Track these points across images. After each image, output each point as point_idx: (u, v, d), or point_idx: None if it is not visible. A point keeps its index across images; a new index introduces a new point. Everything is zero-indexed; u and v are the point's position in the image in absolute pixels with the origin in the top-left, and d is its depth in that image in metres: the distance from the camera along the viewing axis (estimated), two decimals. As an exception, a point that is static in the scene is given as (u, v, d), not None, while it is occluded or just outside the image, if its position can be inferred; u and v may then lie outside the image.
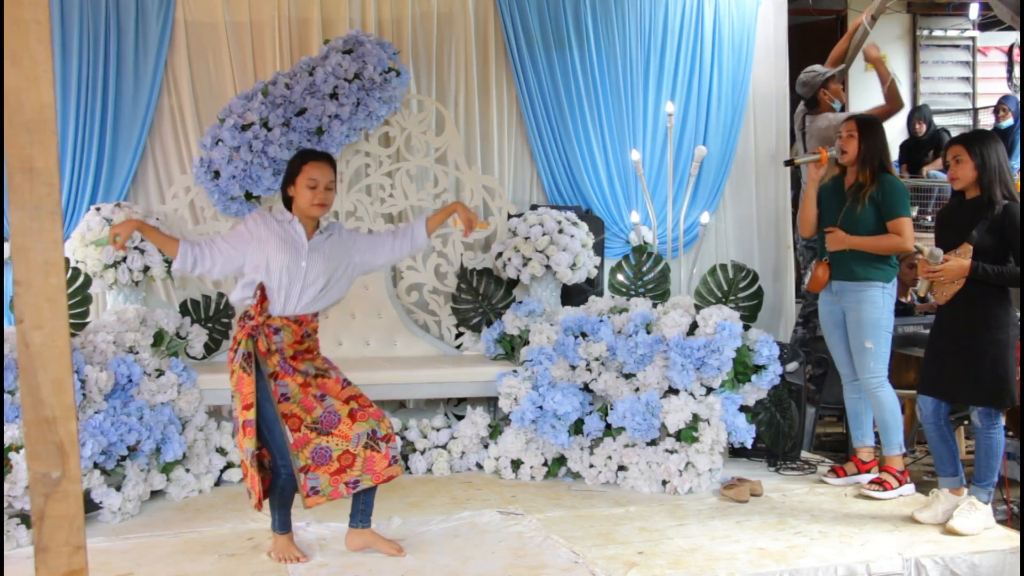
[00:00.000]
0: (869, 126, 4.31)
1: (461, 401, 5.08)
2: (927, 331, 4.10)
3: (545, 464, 4.59)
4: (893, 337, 4.32)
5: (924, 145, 8.17)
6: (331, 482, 3.31)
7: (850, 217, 4.25)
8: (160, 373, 4.35)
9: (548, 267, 5.07)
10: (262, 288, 3.36)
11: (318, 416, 3.33)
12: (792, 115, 6.24)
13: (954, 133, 8.17)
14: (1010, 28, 8.89)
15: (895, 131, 7.86)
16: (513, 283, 5.28)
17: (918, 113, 8.43)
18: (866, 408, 4.42)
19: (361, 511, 3.46)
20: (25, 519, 3.69)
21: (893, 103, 5.58)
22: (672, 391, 4.54)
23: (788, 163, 4.95)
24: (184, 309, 4.92)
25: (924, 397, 3.91)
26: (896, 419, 4.27)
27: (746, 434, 4.43)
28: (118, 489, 3.94)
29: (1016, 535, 3.68)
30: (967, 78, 9.51)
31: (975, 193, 3.79)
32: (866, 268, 4.21)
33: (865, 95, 7.72)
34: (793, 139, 6.72)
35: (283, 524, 3.46)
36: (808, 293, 5.58)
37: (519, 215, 5.30)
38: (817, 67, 5.59)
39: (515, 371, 4.71)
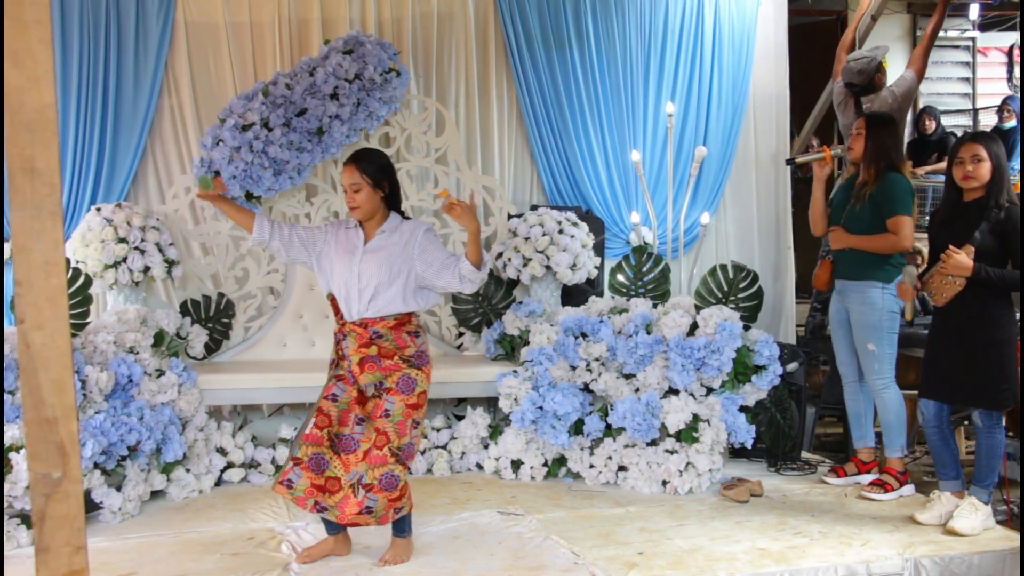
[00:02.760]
0: (879, 124, 4.26)
1: (461, 401, 5.08)
2: (927, 332, 4.08)
3: (545, 464, 4.59)
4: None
5: (931, 145, 8.16)
6: (306, 490, 3.28)
7: (851, 216, 4.23)
8: (160, 373, 4.35)
9: (548, 267, 5.07)
10: (333, 299, 3.43)
11: (343, 433, 3.33)
12: (792, 114, 6.24)
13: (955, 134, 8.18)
14: (1010, 28, 8.90)
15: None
16: (513, 283, 5.28)
17: (928, 111, 8.42)
18: (867, 409, 4.42)
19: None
20: (25, 519, 3.69)
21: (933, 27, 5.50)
22: (672, 391, 4.55)
23: (790, 162, 4.91)
24: (184, 309, 4.92)
25: (926, 400, 3.90)
26: (900, 421, 4.26)
27: (746, 434, 4.43)
28: (118, 489, 3.94)
29: (1016, 535, 3.67)
30: (967, 78, 9.51)
31: (977, 195, 3.76)
32: (866, 267, 4.20)
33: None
34: (793, 136, 6.72)
35: (326, 525, 3.47)
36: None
37: (519, 215, 5.30)
38: (863, 52, 5.48)
39: (515, 371, 4.71)
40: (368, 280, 3.33)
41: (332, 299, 3.45)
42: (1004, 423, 3.89)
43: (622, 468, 4.47)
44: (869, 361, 4.24)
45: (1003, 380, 3.72)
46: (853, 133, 4.30)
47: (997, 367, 3.72)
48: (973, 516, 3.70)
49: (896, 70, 6.01)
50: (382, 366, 3.33)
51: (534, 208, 5.41)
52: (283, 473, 3.29)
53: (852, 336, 4.33)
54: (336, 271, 3.38)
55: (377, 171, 3.36)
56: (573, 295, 5.31)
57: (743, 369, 4.54)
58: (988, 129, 8.71)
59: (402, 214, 3.48)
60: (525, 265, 5.06)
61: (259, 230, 3.41)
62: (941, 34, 9.20)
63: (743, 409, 4.53)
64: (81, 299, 4.56)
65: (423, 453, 4.71)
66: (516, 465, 4.59)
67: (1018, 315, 3.84)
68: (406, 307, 3.37)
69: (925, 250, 3.87)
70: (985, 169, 3.74)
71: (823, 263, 4.42)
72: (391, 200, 3.43)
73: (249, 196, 5.01)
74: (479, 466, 4.74)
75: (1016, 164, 8.01)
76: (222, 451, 4.49)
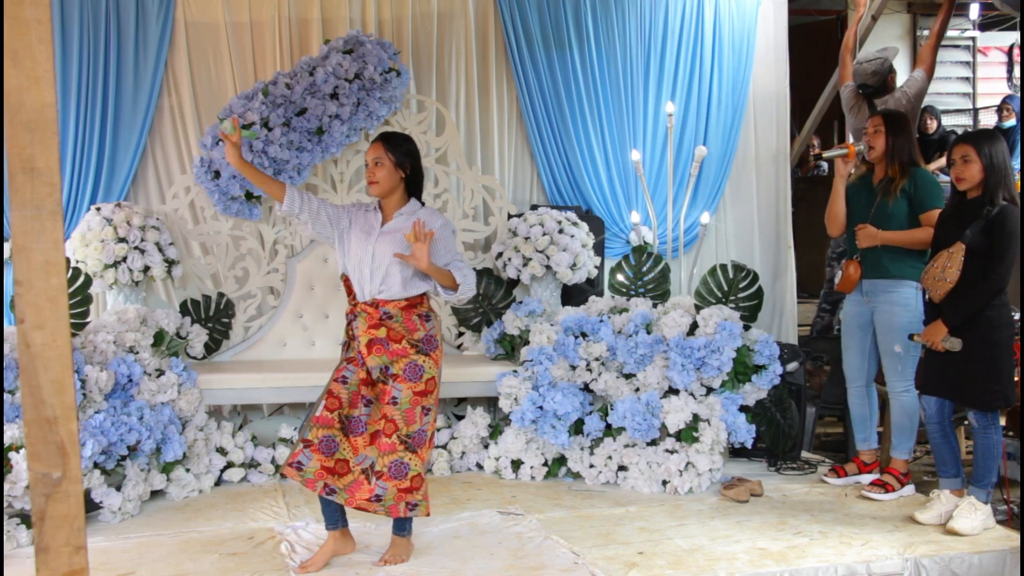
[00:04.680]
0: (896, 121, 4.24)
1: (461, 401, 5.08)
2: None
3: (545, 464, 4.59)
4: None
5: (932, 145, 8.17)
6: (316, 472, 3.25)
7: (882, 212, 4.17)
8: (160, 373, 4.35)
9: (548, 267, 5.07)
10: (347, 280, 3.45)
11: (353, 415, 3.34)
12: (792, 113, 6.23)
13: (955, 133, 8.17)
14: (1011, 28, 8.90)
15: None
16: (513, 283, 5.28)
17: (929, 110, 8.42)
18: (872, 412, 4.41)
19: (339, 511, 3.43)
20: (25, 519, 3.69)
21: (936, 36, 5.48)
22: (672, 391, 4.54)
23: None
24: (184, 309, 4.92)
25: (927, 397, 3.90)
26: (913, 425, 4.23)
27: (746, 434, 4.43)
28: (118, 489, 3.94)
29: (1016, 535, 3.67)
30: (967, 78, 9.51)
31: (977, 193, 3.75)
32: (900, 265, 4.14)
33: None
34: (794, 136, 6.72)
35: (326, 517, 3.43)
36: (833, 278, 5.56)
37: (519, 215, 5.30)
38: (875, 54, 5.43)
39: (515, 371, 4.71)
40: (381, 260, 3.35)
41: (346, 280, 3.47)
42: (1004, 423, 3.89)
43: (622, 468, 4.47)
44: (892, 363, 4.19)
45: (994, 382, 3.71)
46: (870, 131, 4.25)
47: (988, 368, 3.70)
48: (973, 516, 3.70)
49: (898, 70, 6.01)
50: (389, 350, 3.33)
51: (534, 208, 5.41)
52: (293, 455, 3.28)
53: (872, 339, 4.27)
54: (352, 250, 3.41)
55: (402, 153, 3.40)
56: (573, 295, 5.31)
57: (743, 369, 4.54)
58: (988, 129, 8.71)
59: (423, 203, 3.51)
60: (525, 265, 5.06)
61: (290, 201, 3.43)
62: (941, 34, 9.20)
63: (743, 409, 4.53)
64: (81, 299, 4.56)
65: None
66: (516, 465, 4.59)
67: (1014, 315, 3.83)
68: (405, 292, 3.36)
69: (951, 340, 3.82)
70: (974, 170, 3.72)
71: (852, 263, 4.26)
72: (411, 186, 3.46)
73: (249, 196, 5.01)
74: (479, 466, 4.74)
75: (1016, 164, 8.00)
76: (222, 451, 4.49)
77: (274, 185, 3.46)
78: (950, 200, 3.94)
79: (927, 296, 3.85)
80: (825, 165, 4.57)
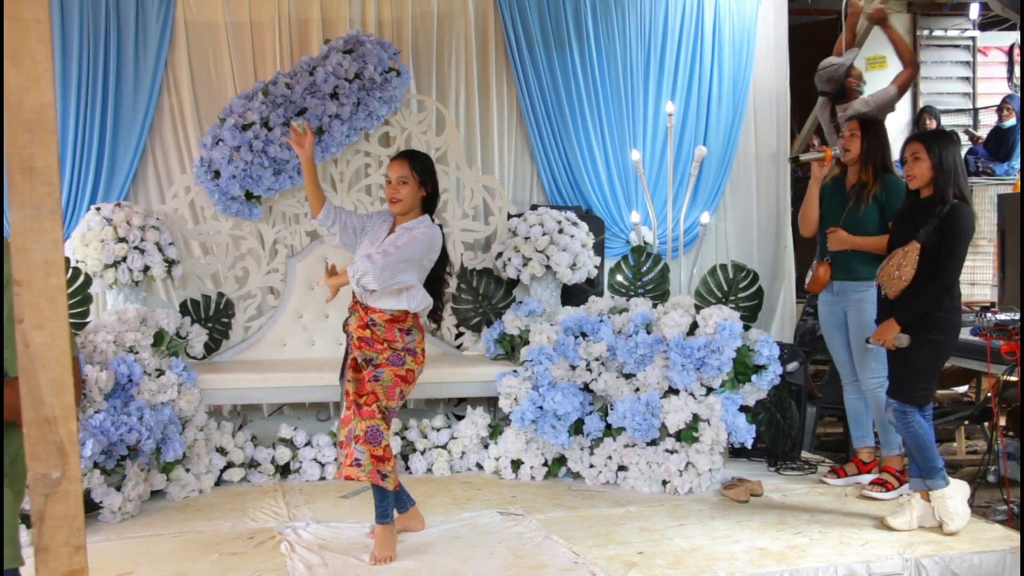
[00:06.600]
0: (872, 126, 4.31)
1: (461, 401, 5.08)
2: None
3: (545, 464, 4.59)
4: None
5: None
6: (343, 464, 3.50)
7: (853, 217, 4.24)
8: (160, 373, 4.35)
9: (548, 267, 5.07)
10: None
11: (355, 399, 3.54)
12: (792, 113, 6.23)
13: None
14: (1011, 28, 8.89)
15: (897, 129, 7.84)
16: (513, 283, 5.27)
17: (928, 110, 8.41)
18: (866, 408, 4.42)
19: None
20: (25, 519, 3.69)
21: (911, 64, 5.63)
22: (672, 391, 4.54)
23: (793, 160, 4.91)
24: (184, 309, 4.92)
25: (891, 398, 3.88)
26: None
27: (746, 434, 4.43)
28: (118, 489, 3.94)
29: (1016, 535, 3.67)
30: (967, 78, 9.50)
31: (929, 192, 3.76)
32: (868, 268, 4.18)
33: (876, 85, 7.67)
34: (793, 135, 6.72)
35: (396, 505, 3.66)
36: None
37: (519, 215, 5.29)
38: (832, 59, 5.54)
39: (515, 371, 4.71)
40: None
41: None
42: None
43: (622, 468, 4.47)
44: (866, 360, 4.23)
45: (926, 381, 3.73)
46: (846, 134, 4.32)
47: (925, 367, 3.73)
48: (951, 504, 3.68)
49: (896, 69, 6.01)
50: (372, 347, 3.50)
51: (534, 208, 5.41)
52: (337, 459, 3.64)
53: (848, 336, 4.32)
54: (359, 253, 3.54)
55: (425, 171, 3.55)
56: (573, 295, 5.31)
57: (743, 369, 4.54)
58: (989, 128, 8.72)
59: (433, 219, 3.62)
60: (525, 265, 5.06)
61: (324, 214, 3.61)
62: (941, 33, 9.27)
63: (743, 409, 4.53)
64: (81, 299, 4.56)
65: (423, 453, 4.71)
66: (516, 465, 4.59)
67: (960, 318, 3.82)
68: (397, 304, 3.50)
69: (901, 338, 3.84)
70: (923, 168, 3.73)
71: (822, 265, 4.38)
72: (428, 204, 3.59)
73: (249, 196, 5.01)
74: (479, 466, 4.74)
75: (1016, 164, 8.00)
76: (222, 451, 4.49)
77: (318, 194, 3.62)
78: (905, 199, 3.96)
79: (883, 293, 3.85)
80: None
